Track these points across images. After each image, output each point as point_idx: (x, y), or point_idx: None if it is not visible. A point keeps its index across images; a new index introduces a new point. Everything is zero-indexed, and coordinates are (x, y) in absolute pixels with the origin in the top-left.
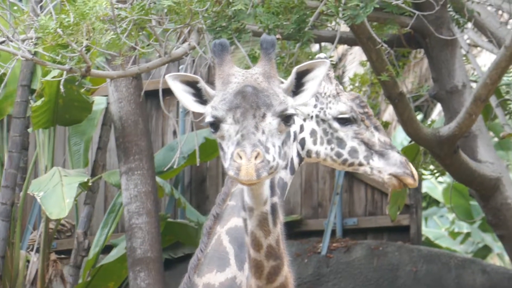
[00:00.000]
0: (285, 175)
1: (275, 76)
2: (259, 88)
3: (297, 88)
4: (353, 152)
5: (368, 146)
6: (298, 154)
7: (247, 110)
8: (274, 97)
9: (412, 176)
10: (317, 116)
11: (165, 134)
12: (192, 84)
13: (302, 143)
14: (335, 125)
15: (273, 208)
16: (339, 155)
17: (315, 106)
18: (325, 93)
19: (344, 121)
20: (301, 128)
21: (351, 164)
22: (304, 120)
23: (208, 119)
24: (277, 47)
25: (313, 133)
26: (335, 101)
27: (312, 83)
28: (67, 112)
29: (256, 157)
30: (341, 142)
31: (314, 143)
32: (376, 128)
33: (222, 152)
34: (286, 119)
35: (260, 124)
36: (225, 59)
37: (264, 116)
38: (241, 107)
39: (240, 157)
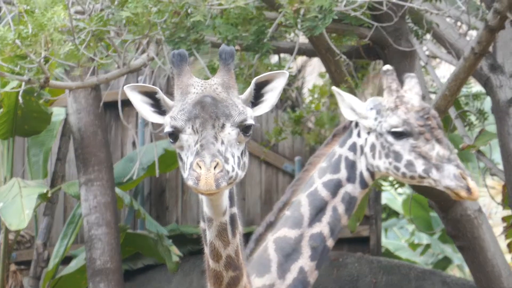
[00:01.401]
0: (352, 189)
1: (234, 86)
2: (218, 99)
3: (256, 99)
4: (410, 165)
5: (426, 159)
6: (367, 168)
7: (206, 120)
8: (233, 107)
9: (468, 189)
10: (376, 130)
11: (124, 145)
12: (150, 95)
13: (366, 157)
14: (390, 139)
15: (232, 218)
16: (397, 168)
17: (376, 119)
18: (384, 106)
19: (398, 135)
20: (366, 141)
21: (412, 178)
22: (368, 133)
23: (167, 129)
24: (236, 58)
25: (372, 147)
26: (392, 114)
27: (271, 94)
28: (26, 123)
29: (215, 167)
30: (397, 156)
31: (373, 157)
32: (437, 140)
33: (181, 162)
34: (245, 129)
35: (219, 134)
36: (183, 69)
37: (223, 126)
38: (200, 117)
39: (200, 167)
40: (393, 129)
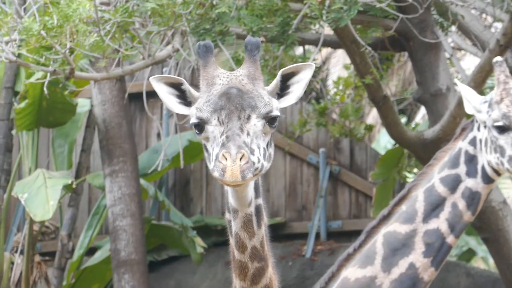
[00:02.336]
0: (474, 184)
1: (260, 78)
2: (243, 90)
3: (282, 91)
4: (511, 160)
5: None
6: (488, 163)
7: (232, 112)
8: (259, 99)
9: None
10: (487, 123)
11: (149, 137)
12: (176, 86)
13: (483, 151)
14: (495, 133)
15: (258, 209)
16: (502, 164)
17: (487, 112)
18: (493, 99)
19: (500, 129)
20: (483, 135)
21: None
22: (484, 127)
23: (193, 120)
24: (261, 49)
25: (486, 141)
26: (496, 107)
27: (298, 86)
28: (51, 114)
29: (241, 159)
30: (502, 150)
31: (486, 151)
32: None
33: (207, 153)
34: (271, 121)
35: (245, 126)
36: (209, 60)
37: (249, 117)
38: (226, 108)
39: (225, 158)
40: (495, 123)
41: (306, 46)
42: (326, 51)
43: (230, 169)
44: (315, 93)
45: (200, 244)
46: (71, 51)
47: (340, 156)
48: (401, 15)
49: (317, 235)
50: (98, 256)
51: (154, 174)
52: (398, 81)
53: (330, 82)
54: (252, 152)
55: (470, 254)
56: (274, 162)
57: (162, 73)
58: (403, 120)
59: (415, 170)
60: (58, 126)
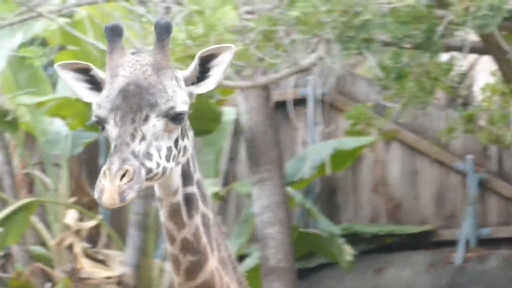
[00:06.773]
0: None
1: (167, 66)
2: (144, 85)
3: (202, 75)
4: None
5: None
6: None
7: (126, 114)
8: (161, 94)
9: None
10: None
11: (294, 145)
12: (85, 72)
13: None
14: None
15: (187, 198)
16: None
17: None
18: None
19: None
20: None
21: None
22: None
23: (92, 118)
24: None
25: None
26: None
27: (217, 69)
28: (198, 123)
29: (122, 177)
30: None
31: None
32: None
33: None
34: (175, 117)
35: (140, 130)
36: (116, 45)
37: (146, 118)
38: (120, 109)
39: (106, 177)
40: None
41: (451, 52)
42: (472, 57)
43: (108, 191)
44: (461, 99)
45: (349, 251)
46: None
47: (488, 163)
48: None
49: (467, 243)
50: (248, 264)
51: (301, 182)
52: None
53: (475, 88)
54: (149, 157)
55: None
56: (421, 170)
57: (306, 81)
58: None
59: None
60: (205, 134)
